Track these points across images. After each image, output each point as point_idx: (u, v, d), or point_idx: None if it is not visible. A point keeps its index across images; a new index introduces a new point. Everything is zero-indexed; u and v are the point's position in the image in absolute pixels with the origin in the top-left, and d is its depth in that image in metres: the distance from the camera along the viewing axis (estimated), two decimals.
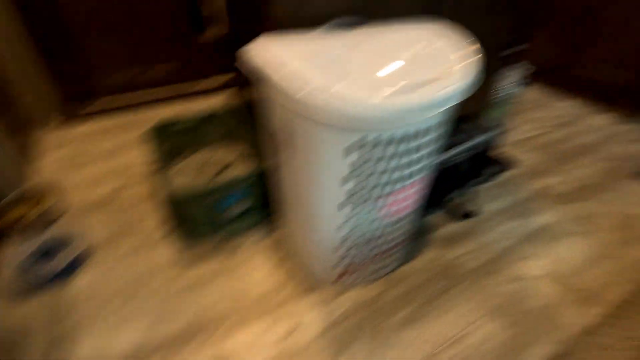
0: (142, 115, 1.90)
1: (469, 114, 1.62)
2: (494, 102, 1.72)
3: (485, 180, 1.48)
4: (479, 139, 1.36)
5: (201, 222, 1.17)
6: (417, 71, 0.73)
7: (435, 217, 1.30)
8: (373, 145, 0.71)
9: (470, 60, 0.78)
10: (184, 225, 1.16)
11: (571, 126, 1.90)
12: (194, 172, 1.43)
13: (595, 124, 1.92)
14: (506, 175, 1.53)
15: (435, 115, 0.74)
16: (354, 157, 0.73)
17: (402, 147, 0.75)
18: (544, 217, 1.31)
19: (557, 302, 1.03)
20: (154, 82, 1.97)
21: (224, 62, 1.62)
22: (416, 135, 0.75)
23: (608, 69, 1.95)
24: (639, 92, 1.87)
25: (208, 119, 1.46)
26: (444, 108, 0.71)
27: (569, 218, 1.30)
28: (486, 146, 1.41)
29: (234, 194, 1.18)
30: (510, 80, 1.71)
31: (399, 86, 0.67)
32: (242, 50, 0.78)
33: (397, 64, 0.74)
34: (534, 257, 1.16)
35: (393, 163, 0.78)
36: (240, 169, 1.38)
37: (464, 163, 1.32)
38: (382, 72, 0.72)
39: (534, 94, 2.21)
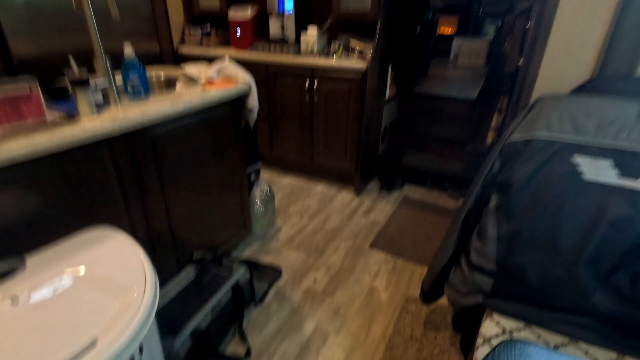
0: None
1: (226, 250, 1.71)
2: (251, 219, 1.90)
3: (259, 302, 1.56)
4: (241, 271, 1.43)
5: None
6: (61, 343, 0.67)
7: None
8: None
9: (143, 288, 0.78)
10: None
11: (323, 212, 2.29)
12: None
13: (339, 203, 2.39)
14: (277, 285, 1.67)
15: None
16: None
17: None
18: (310, 325, 1.47)
19: None
20: None
21: None
22: None
23: (333, 160, 2.50)
24: (357, 174, 2.46)
25: None
26: None
27: (326, 317, 1.50)
28: (250, 270, 1.50)
29: None
30: (259, 195, 1.93)
31: None
32: None
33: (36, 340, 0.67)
34: None
35: None
36: None
37: (229, 302, 1.35)
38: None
39: (293, 187, 2.60)
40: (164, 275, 1.38)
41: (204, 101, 1.25)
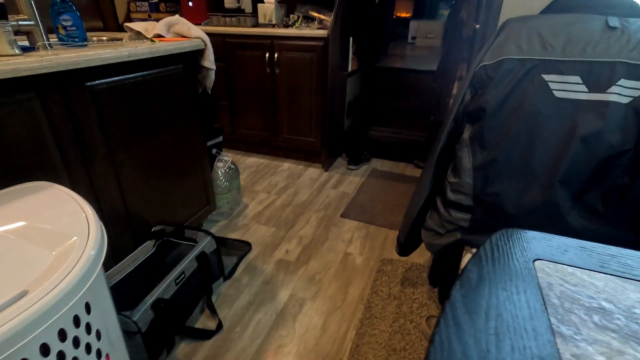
0: None
1: (190, 223, 1.59)
2: (215, 195, 1.78)
3: (228, 276, 1.46)
4: (205, 240, 1.32)
5: None
6: None
7: (182, 348, 1.14)
8: None
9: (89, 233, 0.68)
10: None
11: (291, 187, 2.21)
12: None
13: (308, 178, 2.33)
14: (247, 259, 1.58)
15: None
16: None
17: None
18: (284, 293, 1.39)
19: None
20: None
21: None
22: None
23: (299, 137, 2.42)
24: (324, 150, 2.41)
25: None
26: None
27: (301, 285, 1.44)
28: (217, 241, 1.39)
29: None
30: (222, 169, 1.81)
31: None
32: None
33: None
34: (285, 341, 1.19)
35: None
36: None
37: (195, 273, 1.25)
38: None
39: (259, 166, 2.49)
40: (118, 252, 1.24)
41: (152, 51, 1.13)
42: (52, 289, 0.57)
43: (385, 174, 2.42)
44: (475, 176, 0.89)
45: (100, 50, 0.97)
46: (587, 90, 0.78)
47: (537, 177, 0.83)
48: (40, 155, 0.95)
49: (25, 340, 0.53)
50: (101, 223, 0.72)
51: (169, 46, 1.20)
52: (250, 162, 2.56)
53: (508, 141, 0.83)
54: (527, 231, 0.48)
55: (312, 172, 2.42)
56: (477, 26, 2.16)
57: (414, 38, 4.78)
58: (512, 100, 0.82)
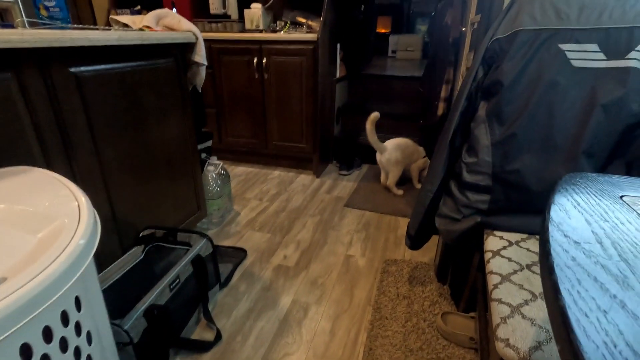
0: None
1: (181, 227, 1.49)
2: (206, 199, 1.68)
3: (224, 284, 1.35)
4: (201, 243, 1.22)
5: None
6: None
7: None
8: None
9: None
10: None
11: (283, 194, 2.13)
12: None
13: (300, 185, 2.25)
14: (243, 266, 1.47)
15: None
16: None
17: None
18: (286, 299, 1.29)
19: None
20: None
21: None
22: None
23: (290, 143, 2.36)
24: (316, 155, 2.35)
25: None
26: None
27: (303, 290, 1.34)
28: (212, 248, 1.29)
29: None
30: (212, 173, 1.72)
31: None
32: None
33: None
34: (292, 348, 1.08)
35: None
36: None
37: (190, 279, 1.13)
38: None
39: (248, 174, 2.41)
40: (104, 258, 1.12)
41: (142, 38, 1.06)
42: (36, 276, 0.47)
43: (378, 178, 2.38)
44: (494, 153, 0.85)
45: (88, 32, 0.89)
46: (605, 58, 0.76)
47: (560, 149, 0.80)
48: (17, 143, 0.84)
49: (1, 338, 0.43)
50: (91, 206, 0.63)
51: (160, 35, 1.13)
52: (238, 171, 2.47)
53: (527, 114, 0.81)
54: (591, 174, 0.43)
55: (304, 179, 2.36)
56: (463, 29, 2.20)
57: (394, 52, 4.90)
58: (529, 71, 0.80)
